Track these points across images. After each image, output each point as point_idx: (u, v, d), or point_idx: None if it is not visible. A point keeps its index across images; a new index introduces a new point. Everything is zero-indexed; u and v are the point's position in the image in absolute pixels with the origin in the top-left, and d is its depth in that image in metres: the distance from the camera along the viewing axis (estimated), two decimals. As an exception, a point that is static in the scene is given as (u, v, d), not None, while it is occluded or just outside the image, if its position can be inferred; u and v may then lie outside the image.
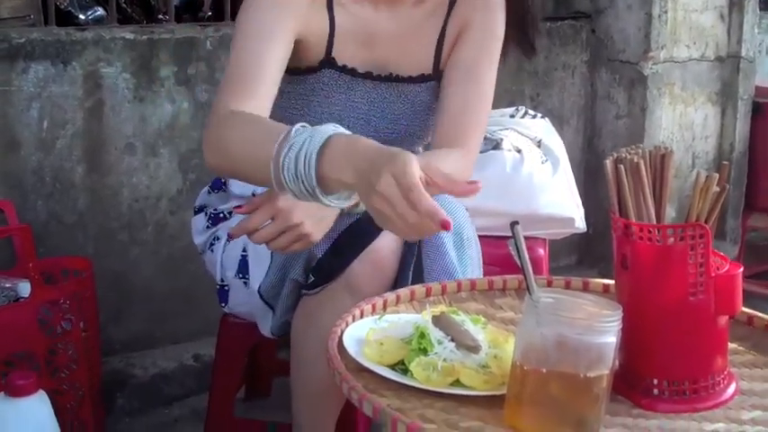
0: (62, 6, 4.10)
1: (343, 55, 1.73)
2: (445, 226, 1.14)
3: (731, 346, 1.29)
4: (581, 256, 3.54)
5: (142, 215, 2.64)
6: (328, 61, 1.73)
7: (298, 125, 1.30)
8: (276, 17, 1.61)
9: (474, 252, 1.69)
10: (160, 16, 5.02)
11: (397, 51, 1.77)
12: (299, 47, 1.67)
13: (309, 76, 1.74)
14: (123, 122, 2.57)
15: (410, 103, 1.80)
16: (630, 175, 1.18)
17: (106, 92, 2.53)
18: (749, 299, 3.72)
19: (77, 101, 2.49)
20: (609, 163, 1.19)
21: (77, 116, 2.50)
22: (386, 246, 1.58)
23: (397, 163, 1.16)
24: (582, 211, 2.32)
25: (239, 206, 1.57)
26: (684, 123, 3.49)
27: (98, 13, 4.06)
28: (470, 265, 1.67)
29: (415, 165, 1.15)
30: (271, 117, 1.59)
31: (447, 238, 1.61)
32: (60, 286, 2.23)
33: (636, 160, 1.17)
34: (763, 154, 3.68)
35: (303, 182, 1.26)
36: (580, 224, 2.30)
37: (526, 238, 2.19)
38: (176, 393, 2.65)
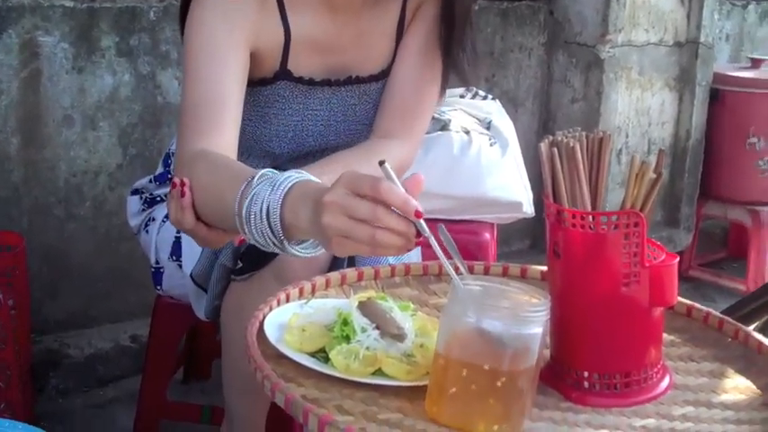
0: (7, -28, 4.01)
1: (299, 65, 1.63)
2: (418, 215, 1.05)
3: (667, 338, 1.26)
4: (534, 240, 3.51)
5: (79, 190, 2.57)
6: (284, 73, 1.63)
7: (258, 174, 1.20)
8: (227, 33, 1.50)
9: None
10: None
11: (356, 54, 1.67)
12: (252, 59, 1.56)
13: (264, 88, 1.64)
14: (61, 94, 2.48)
15: (372, 102, 1.71)
16: (566, 159, 1.13)
17: (43, 61, 2.44)
18: (701, 287, 3.80)
19: (13, 70, 2.41)
20: (543, 146, 1.14)
21: (12, 86, 2.42)
22: None
23: (345, 175, 1.08)
24: (531, 195, 2.27)
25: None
26: (641, 108, 3.47)
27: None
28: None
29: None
30: None
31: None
32: (-12, 262, 2.16)
33: (572, 144, 1.12)
34: (720, 141, 3.68)
35: (269, 237, 1.18)
36: (528, 209, 2.25)
37: (472, 221, 2.21)
38: (112, 374, 2.60)
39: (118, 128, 2.58)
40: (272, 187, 1.17)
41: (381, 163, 1.08)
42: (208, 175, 1.31)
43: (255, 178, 1.20)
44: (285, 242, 1.18)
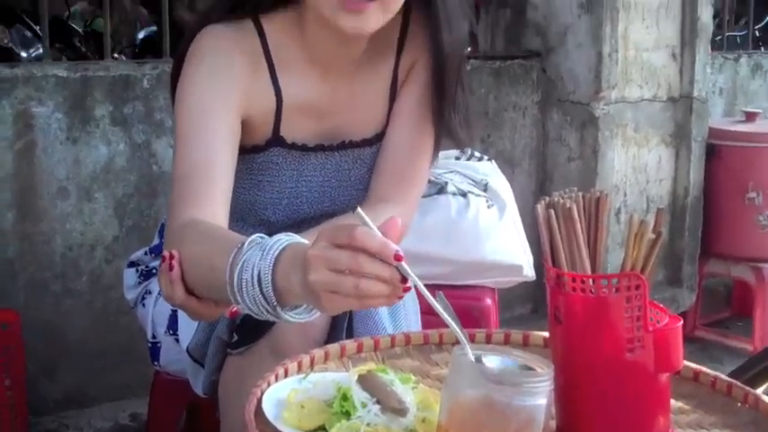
0: (2, 43, 4.05)
1: (291, 131, 1.61)
2: (398, 258, 1.04)
3: (675, 404, 1.22)
4: (536, 304, 3.46)
5: (76, 264, 2.55)
6: (276, 140, 1.61)
7: (248, 240, 1.19)
8: (216, 101, 1.49)
9: (410, 306, 1.60)
10: (115, 55, 4.99)
11: (349, 117, 1.65)
12: (244, 126, 1.55)
13: (257, 155, 1.62)
14: (56, 165, 2.48)
15: (366, 167, 1.69)
16: (563, 221, 1.11)
17: (38, 132, 2.45)
18: (706, 347, 3.73)
19: (7, 142, 2.41)
20: (540, 207, 1.12)
21: (7, 158, 2.42)
22: None
23: (324, 229, 1.08)
24: (531, 257, 2.24)
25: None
26: (638, 166, 3.46)
27: (41, 51, 4.00)
28: (405, 320, 1.57)
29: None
30: None
31: None
32: (-18, 340, 2.13)
33: (568, 205, 1.10)
34: (718, 197, 3.65)
35: (262, 304, 1.16)
36: (528, 272, 2.22)
37: (472, 286, 2.19)
38: (112, 455, 2.55)
39: (113, 199, 2.57)
40: (263, 252, 1.15)
41: (354, 209, 1.07)
42: (197, 246, 1.29)
43: (245, 244, 1.18)
44: (278, 308, 1.15)
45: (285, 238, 1.16)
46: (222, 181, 1.46)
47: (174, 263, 1.28)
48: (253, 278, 1.14)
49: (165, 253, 1.30)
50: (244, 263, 1.16)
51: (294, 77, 1.60)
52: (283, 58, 1.59)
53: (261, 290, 1.14)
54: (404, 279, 1.05)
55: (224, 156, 1.47)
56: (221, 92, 1.50)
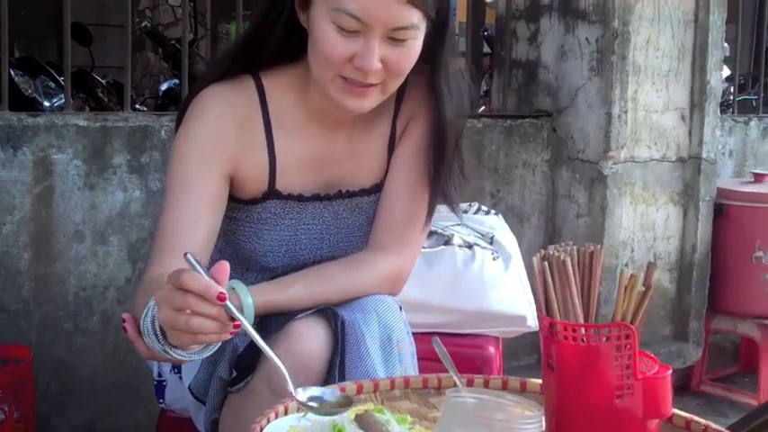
0: (26, 93, 4.14)
1: (288, 184, 1.65)
2: (221, 298, 1.16)
3: (666, 452, 1.25)
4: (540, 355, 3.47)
5: (89, 304, 2.59)
6: (272, 192, 1.65)
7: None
8: (201, 168, 1.55)
9: (406, 352, 1.63)
10: (137, 106, 5.09)
11: (347, 169, 1.69)
12: (237, 182, 1.61)
13: (255, 206, 1.66)
14: (73, 209, 2.53)
15: (365, 215, 1.73)
16: (557, 273, 1.15)
17: (56, 178, 2.50)
18: (711, 402, 3.72)
19: (26, 186, 2.47)
20: (535, 260, 1.16)
21: (25, 202, 2.47)
22: (310, 351, 1.51)
23: (171, 272, 1.19)
24: (535, 309, 2.27)
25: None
26: (646, 223, 3.49)
27: (63, 101, 4.08)
28: (399, 366, 1.60)
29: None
30: (223, 245, 1.66)
31: (371, 340, 1.54)
32: (-6, 375, 2.17)
33: (563, 258, 1.14)
34: (726, 256, 3.68)
35: (157, 344, 1.27)
36: (532, 322, 2.25)
37: (477, 335, 2.21)
38: (118, 491, 2.57)
39: (127, 243, 2.62)
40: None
41: (185, 255, 1.21)
42: (141, 300, 1.39)
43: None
44: (167, 347, 1.26)
45: None
46: (193, 239, 1.51)
47: (127, 325, 1.37)
48: (150, 321, 1.27)
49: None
50: (148, 309, 1.28)
51: (291, 134, 1.64)
52: (281, 115, 1.63)
53: (154, 330, 1.26)
54: (232, 318, 1.19)
55: (198, 219, 1.54)
56: (206, 158, 1.56)
